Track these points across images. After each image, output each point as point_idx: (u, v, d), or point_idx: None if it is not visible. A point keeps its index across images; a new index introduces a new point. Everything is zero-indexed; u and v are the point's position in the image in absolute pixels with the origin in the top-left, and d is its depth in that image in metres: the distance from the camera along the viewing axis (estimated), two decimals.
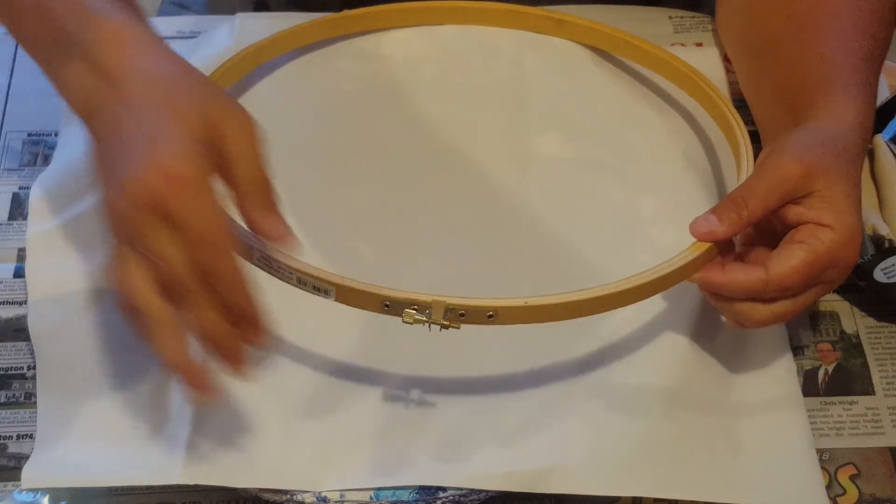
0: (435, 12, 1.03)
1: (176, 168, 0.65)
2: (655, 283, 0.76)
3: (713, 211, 0.77)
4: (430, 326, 0.73)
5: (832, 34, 0.87)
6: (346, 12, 1.02)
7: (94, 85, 0.71)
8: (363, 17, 1.02)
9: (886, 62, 1.00)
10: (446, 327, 0.73)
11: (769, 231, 0.79)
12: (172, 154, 0.66)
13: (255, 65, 0.98)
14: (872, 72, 0.85)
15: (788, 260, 0.75)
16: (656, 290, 0.77)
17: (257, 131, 0.70)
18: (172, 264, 0.66)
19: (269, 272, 0.74)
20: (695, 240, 0.77)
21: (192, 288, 0.67)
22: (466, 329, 0.84)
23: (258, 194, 0.70)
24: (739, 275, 0.76)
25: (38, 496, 0.80)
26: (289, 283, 0.74)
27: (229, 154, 0.69)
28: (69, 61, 0.73)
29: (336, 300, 0.74)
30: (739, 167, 0.86)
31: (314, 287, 0.73)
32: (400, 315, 0.72)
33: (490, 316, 0.74)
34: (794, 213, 0.77)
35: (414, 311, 0.72)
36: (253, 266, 0.73)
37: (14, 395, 0.84)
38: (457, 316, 0.73)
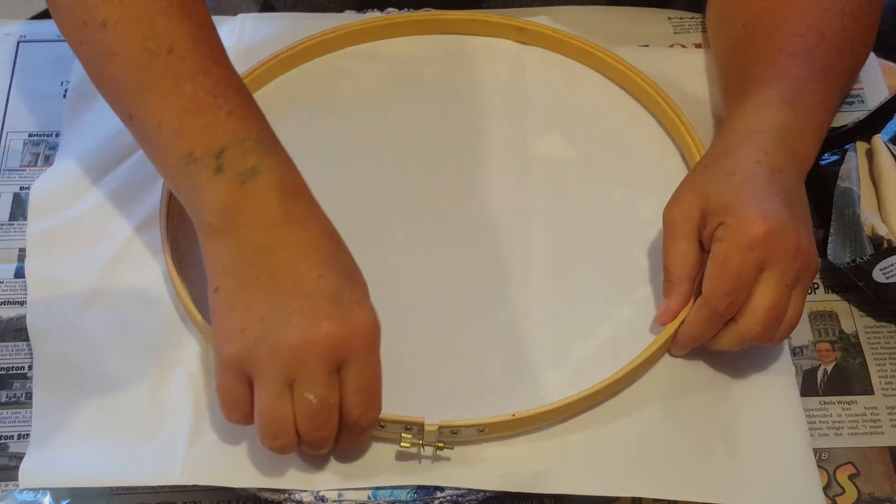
0: (396, 26, 1.03)
1: (372, 329, 0.72)
2: (636, 370, 0.81)
3: (664, 294, 0.83)
4: (423, 449, 0.77)
5: (767, 38, 0.89)
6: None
7: (250, 217, 0.73)
8: (326, 43, 1.01)
9: (887, 63, 1.01)
10: (441, 448, 0.77)
11: None
12: (370, 315, 0.72)
13: (265, 82, 1.00)
14: (803, 63, 0.87)
15: (709, 272, 0.79)
16: (637, 377, 0.82)
17: None
18: (327, 409, 0.72)
19: None
20: None
21: (332, 428, 0.73)
22: (463, 330, 0.85)
23: None
24: (691, 316, 0.81)
25: (39, 495, 0.80)
26: None
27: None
28: (218, 177, 0.74)
29: None
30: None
31: None
32: (396, 439, 0.76)
33: (481, 430, 0.77)
34: (706, 238, 0.81)
35: (410, 436, 0.76)
36: None
37: (15, 395, 0.84)
38: (449, 433, 0.77)
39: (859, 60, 0.93)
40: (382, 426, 0.76)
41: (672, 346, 0.83)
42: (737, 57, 0.92)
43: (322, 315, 0.70)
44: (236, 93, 0.77)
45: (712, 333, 0.81)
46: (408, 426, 0.76)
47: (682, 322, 0.81)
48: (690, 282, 0.81)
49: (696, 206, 0.81)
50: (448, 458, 0.78)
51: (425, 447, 0.77)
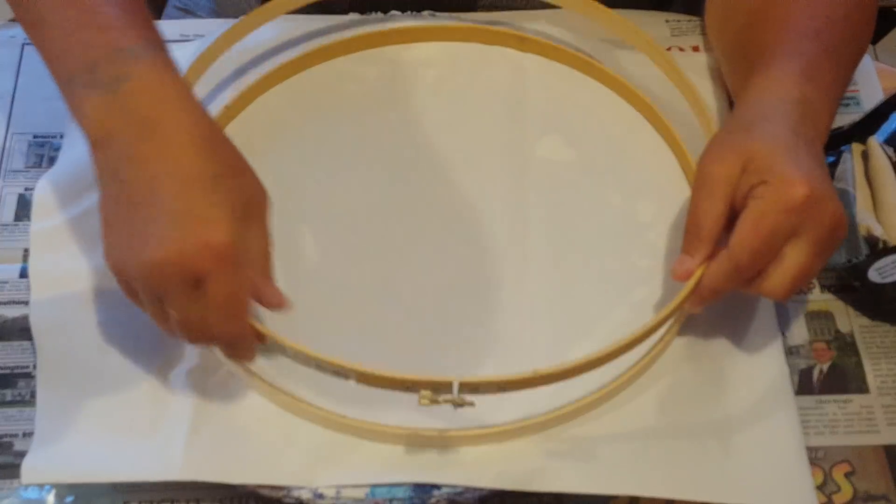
0: (399, 34, 1.04)
1: (220, 246, 0.71)
2: (651, 328, 0.80)
3: (683, 250, 0.81)
4: (452, 406, 0.75)
5: (777, 20, 0.89)
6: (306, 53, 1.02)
7: (120, 125, 0.73)
8: (331, 48, 1.03)
9: (881, 65, 1.01)
10: (461, 405, 0.75)
11: None
12: (219, 231, 0.71)
13: (270, 86, 1.00)
14: (815, 43, 0.87)
15: (740, 227, 0.77)
16: (651, 333, 0.81)
17: (270, 204, 0.77)
18: (193, 323, 0.73)
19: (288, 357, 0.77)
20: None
21: (206, 339, 0.75)
22: (459, 330, 0.85)
23: (262, 267, 0.76)
24: (710, 268, 0.79)
25: (43, 493, 0.80)
26: (308, 367, 0.77)
27: (248, 229, 0.74)
28: (93, 91, 0.74)
29: (358, 383, 0.76)
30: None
31: (334, 372, 0.76)
32: (417, 393, 0.75)
33: (501, 388, 0.76)
34: (739, 198, 0.79)
35: (429, 393, 0.74)
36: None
37: (20, 394, 0.85)
38: (469, 391, 0.75)
39: (860, 51, 0.93)
40: (410, 388, 0.75)
41: (690, 301, 0.81)
42: (745, 41, 0.92)
43: (170, 236, 0.70)
44: (117, 5, 0.77)
45: (730, 289, 0.80)
46: (435, 388, 0.75)
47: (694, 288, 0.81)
48: (715, 243, 0.80)
49: (738, 166, 0.79)
50: (455, 452, 0.79)
51: (443, 403, 0.75)
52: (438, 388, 0.74)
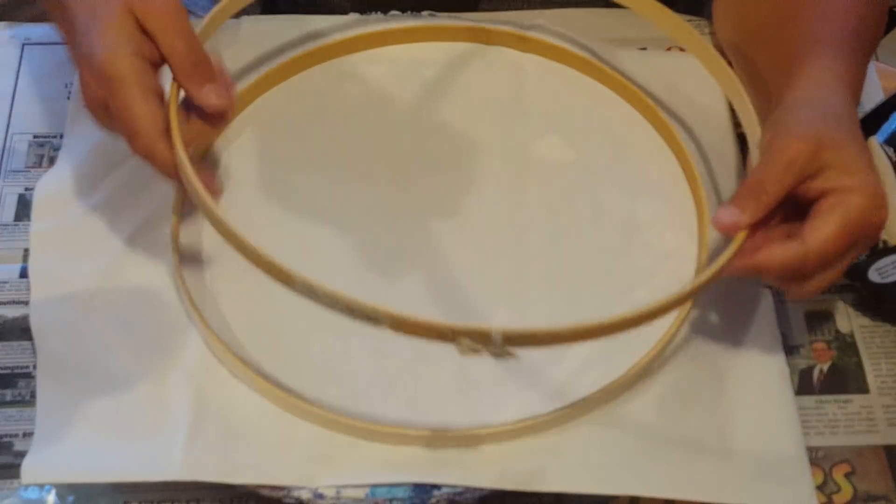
0: (399, 34, 1.04)
1: (106, 72, 0.76)
2: (695, 290, 0.78)
3: (734, 202, 0.77)
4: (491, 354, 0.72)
5: (815, 14, 0.89)
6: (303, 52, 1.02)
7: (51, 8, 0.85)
8: (331, 48, 1.02)
9: (881, 65, 1.01)
10: (501, 356, 0.72)
11: (791, 210, 0.79)
12: (103, 60, 0.77)
13: (270, 87, 1.00)
14: (858, 43, 0.86)
15: (824, 228, 0.75)
16: (696, 295, 0.80)
17: (180, 13, 0.80)
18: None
19: (314, 301, 0.73)
20: (699, 239, 0.83)
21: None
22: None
23: (190, 69, 0.80)
24: (777, 251, 0.76)
25: (43, 493, 0.81)
26: (335, 311, 0.73)
27: (158, 42, 0.79)
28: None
29: (392, 329, 0.73)
30: (699, 203, 0.92)
31: (365, 317, 0.72)
32: (456, 342, 0.72)
33: (551, 338, 0.73)
34: (814, 189, 0.76)
35: (470, 342, 0.72)
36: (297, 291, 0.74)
37: (20, 394, 0.85)
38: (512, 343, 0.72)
39: (873, 53, 0.92)
40: (447, 336, 0.71)
41: (729, 266, 0.77)
42: (778, 27, 0.91)
43: (78, 73, 0.80)
44: None
45: (784, 283, 0.78)
46: (475, 337, 0.71)
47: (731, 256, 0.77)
48: (770, 212, 0.77)
49: (820, 153, 0.76)
50: (455, 452, 0.79)
51: (486, 352, 0.71)
52: (478, 339, 0.71)
